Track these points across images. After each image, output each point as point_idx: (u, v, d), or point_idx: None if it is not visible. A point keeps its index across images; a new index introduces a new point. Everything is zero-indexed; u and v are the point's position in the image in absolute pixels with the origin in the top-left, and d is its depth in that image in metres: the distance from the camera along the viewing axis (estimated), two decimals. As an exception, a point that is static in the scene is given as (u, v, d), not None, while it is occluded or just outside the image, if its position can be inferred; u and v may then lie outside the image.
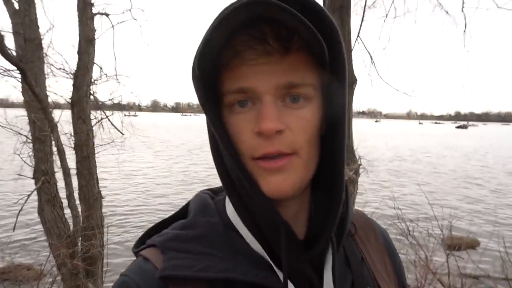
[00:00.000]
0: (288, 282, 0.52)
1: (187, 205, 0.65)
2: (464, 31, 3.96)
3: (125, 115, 5.39)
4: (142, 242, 0.61)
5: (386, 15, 3.99)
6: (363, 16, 3.72)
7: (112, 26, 4.62)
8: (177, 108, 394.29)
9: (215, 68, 0.50)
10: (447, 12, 4.00)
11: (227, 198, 0.60)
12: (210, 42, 0.46)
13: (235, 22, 0.45)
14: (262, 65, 0.48)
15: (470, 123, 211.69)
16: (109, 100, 4.98)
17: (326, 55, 0.48)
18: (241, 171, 0.51)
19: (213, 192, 0.68)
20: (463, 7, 3.80)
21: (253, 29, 0.47)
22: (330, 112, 0.53)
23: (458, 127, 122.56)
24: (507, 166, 19.19)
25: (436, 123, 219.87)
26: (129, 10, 4.76)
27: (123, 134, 5.17)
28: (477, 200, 10.05)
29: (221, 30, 0.45)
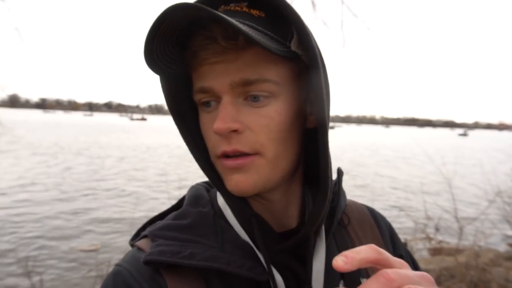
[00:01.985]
0: (274, 272, 0.52)
1: (184, 197, 0.65)
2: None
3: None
4: (138, 235, 0.61)
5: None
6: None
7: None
8: (43, 105, 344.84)
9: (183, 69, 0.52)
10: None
11: None
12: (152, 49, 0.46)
13: (179, 26, 0.46)
14: (219, 63, 0.48)
15: (337, 124, 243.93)
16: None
17: (279, 49, 0.47)
18: (204, 170, 0.54)
19: (209, 184, 0.68)
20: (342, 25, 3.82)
21: (204, 30, 0.47)
22: (309, 105, 0.53)
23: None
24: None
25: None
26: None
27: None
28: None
29: (160, 36, 0.46)
